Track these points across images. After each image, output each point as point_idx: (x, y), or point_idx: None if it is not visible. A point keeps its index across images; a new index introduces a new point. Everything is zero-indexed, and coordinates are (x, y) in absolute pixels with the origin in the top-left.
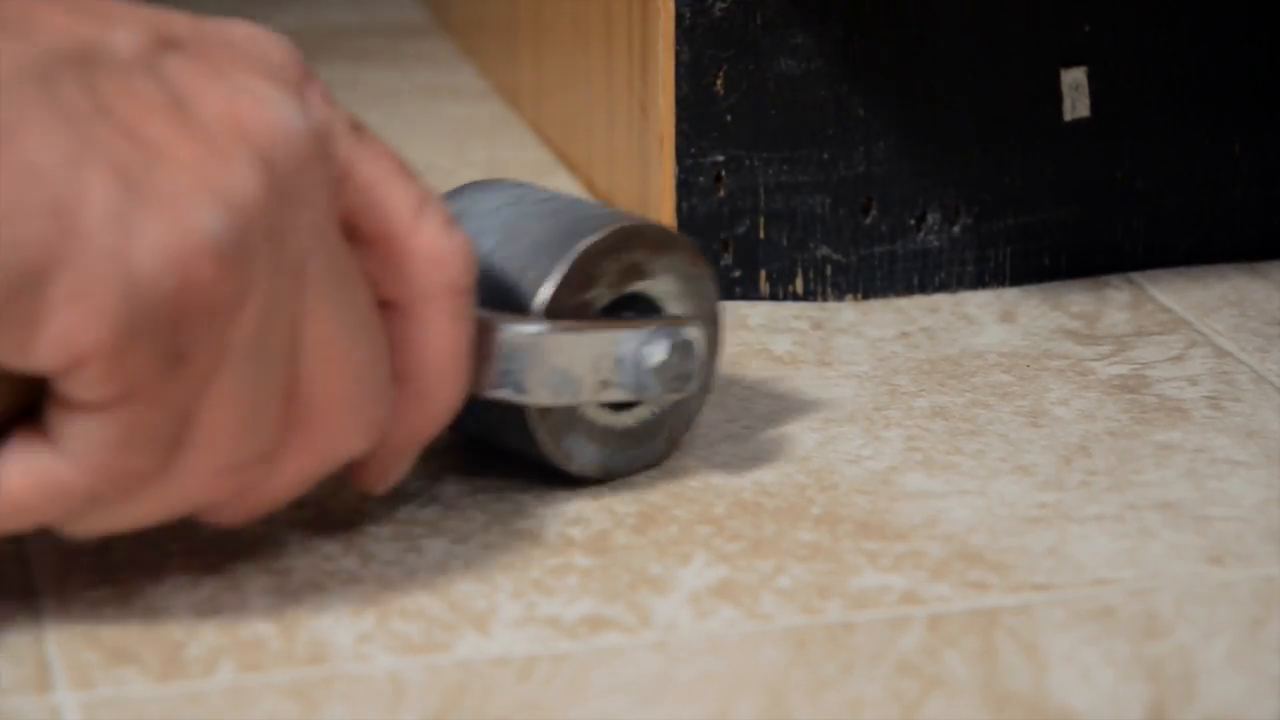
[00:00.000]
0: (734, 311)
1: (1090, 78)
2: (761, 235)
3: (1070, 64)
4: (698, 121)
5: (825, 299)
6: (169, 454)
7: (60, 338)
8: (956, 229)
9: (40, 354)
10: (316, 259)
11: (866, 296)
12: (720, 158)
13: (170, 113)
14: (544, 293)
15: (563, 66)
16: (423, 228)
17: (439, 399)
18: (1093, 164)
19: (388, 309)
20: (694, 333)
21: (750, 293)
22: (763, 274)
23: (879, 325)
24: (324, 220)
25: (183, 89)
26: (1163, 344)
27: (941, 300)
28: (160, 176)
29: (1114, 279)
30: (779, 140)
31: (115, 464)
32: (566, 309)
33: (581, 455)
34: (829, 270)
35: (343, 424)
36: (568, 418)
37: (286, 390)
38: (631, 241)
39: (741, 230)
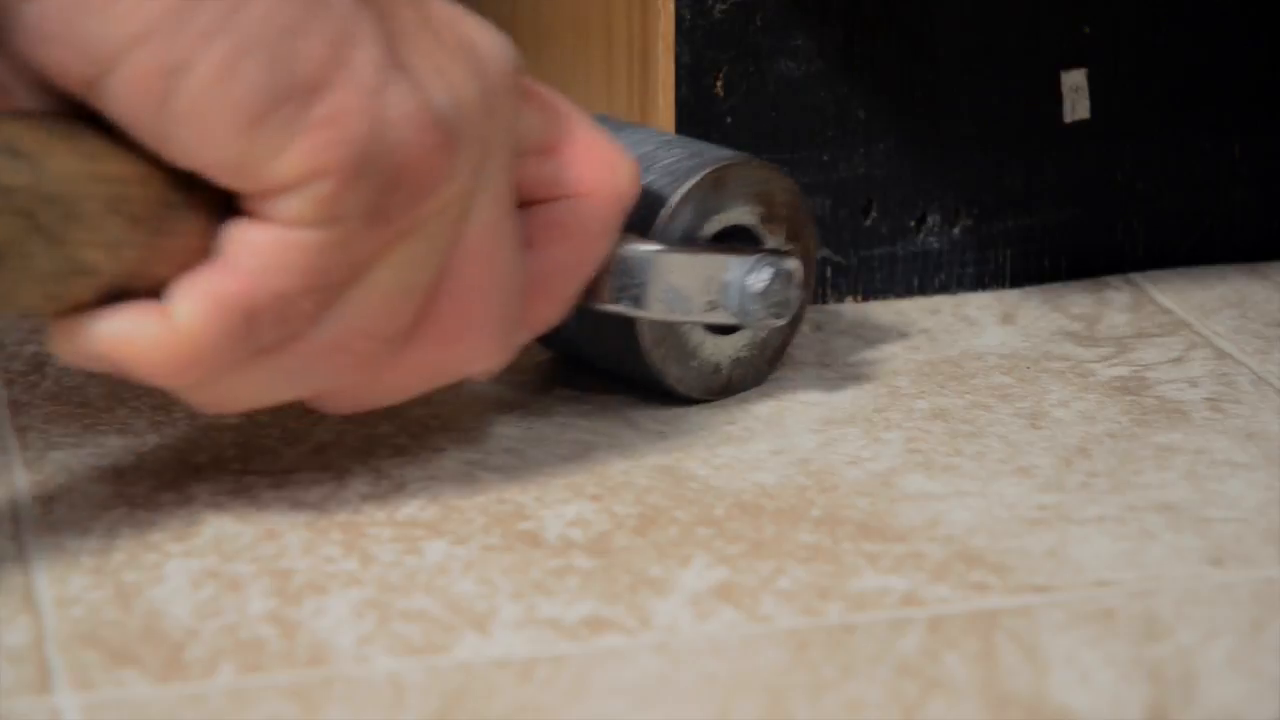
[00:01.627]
0: None
1: (1090, 79)
2: None
3: (1070, 65)
4: (697, 123)
5: (825, 300)
6: (332, 296)
7: (310, 150)
8: (957, 231)
9: (287, 162)
10: (494, 172)
11: (866, 298)
12: None
13: (416, 12)
14: (662, 217)
15: (563, 66)
16: (601, 140)
17: (561, 294)
18: (1093, 165)
19: (547, 208)
20: (794, 264)
21: None
22: None
23: (879, 327)
24: (506, 140)
25: (424, 2)
26: (1163, 346)
27: (942, 302)
28: (409, 53)
29: (1114, 280)
30: (779, 142)
31: (295, 282)
32: (680, 234)
33: (678, 376)
34: (829, 271)
35: (477, 327)
36: (671, 339)
37: (433, 283)
38: (737, 177)
39: None
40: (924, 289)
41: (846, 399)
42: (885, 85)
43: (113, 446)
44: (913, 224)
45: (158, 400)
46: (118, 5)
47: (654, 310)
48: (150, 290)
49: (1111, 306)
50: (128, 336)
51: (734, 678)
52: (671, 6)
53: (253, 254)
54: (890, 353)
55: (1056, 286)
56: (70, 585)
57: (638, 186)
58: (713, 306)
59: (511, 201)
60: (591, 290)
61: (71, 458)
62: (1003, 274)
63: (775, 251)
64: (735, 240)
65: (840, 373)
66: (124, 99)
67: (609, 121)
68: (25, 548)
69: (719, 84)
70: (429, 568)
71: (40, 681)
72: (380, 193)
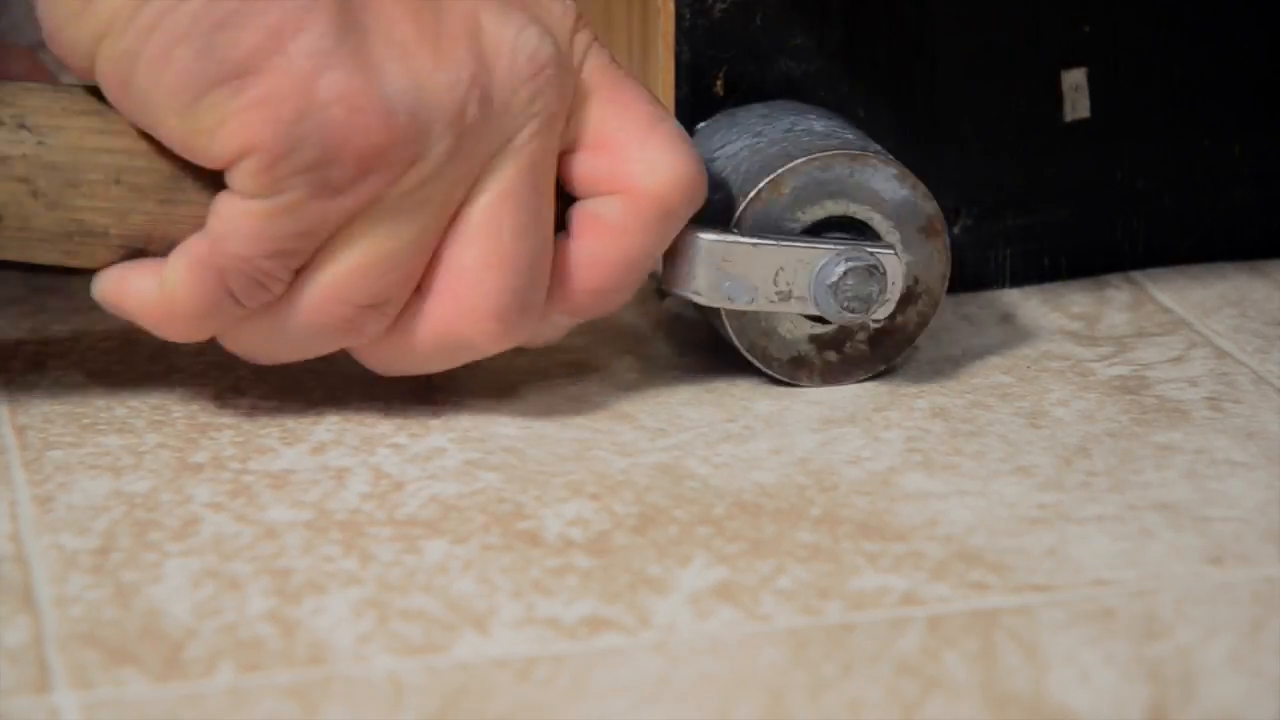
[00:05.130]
0: None
1: (1090, 78)
2: None
3: (1070, 65)
4: (698, 122)
5: None
6: (295, 262)
7: (240, 128)
8: (956, 230)
9: (221, 138)
10: (509, 162)
11: None
12: None
13: (406, 4)
14: (740, 205)
15: None
16: (651, 140)
17: (595, 284)
18: (1093, 164)
19: (594, 201)
20: (884, 259)
21: None
22: None
23: None
24: (533, 134)
25: None
26: (1163, 345)
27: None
28: (372, 44)
29: (1114, 279)
30: None
31: (252, 247)
32: (763, 222)
33: (770, 360)
34: None
35: (471, 303)
36: (762, 325)
37: (422, 254)
38: (841, 167)
39: None
40: None
41: (846, 398)
42: (885, 85)
43: (112, 446)
44: None
45: (157, 400)
46: (89, 7)
47: (712, 298)
48: (169, 250)
49: (1111, 305)
50: (127, 291)
51: (733, 677)
52: (671, 6)
53: (219, 220)
54: None
55: (1056, 285)
56: (69, 585)
57: (685, 191)
58: (785, 296)
59: (533, 187)
60: (665, 277)
61: (70, 457)
62: (1003, 273)
63: (861, 243)
64: (839, 231)
65: None
66: (103, 83)
67: (779, 105)
68: (24, 547)
69: (719, 83)
70: (428, 567)
71: (39, 681)
72: (316, 168)
